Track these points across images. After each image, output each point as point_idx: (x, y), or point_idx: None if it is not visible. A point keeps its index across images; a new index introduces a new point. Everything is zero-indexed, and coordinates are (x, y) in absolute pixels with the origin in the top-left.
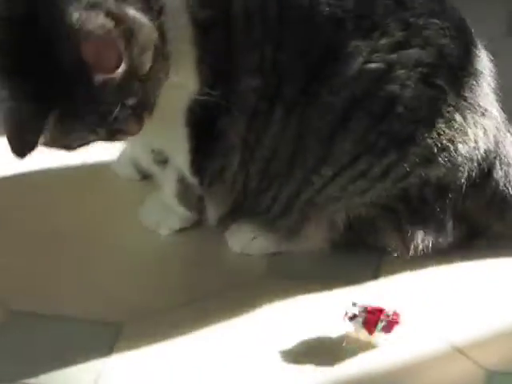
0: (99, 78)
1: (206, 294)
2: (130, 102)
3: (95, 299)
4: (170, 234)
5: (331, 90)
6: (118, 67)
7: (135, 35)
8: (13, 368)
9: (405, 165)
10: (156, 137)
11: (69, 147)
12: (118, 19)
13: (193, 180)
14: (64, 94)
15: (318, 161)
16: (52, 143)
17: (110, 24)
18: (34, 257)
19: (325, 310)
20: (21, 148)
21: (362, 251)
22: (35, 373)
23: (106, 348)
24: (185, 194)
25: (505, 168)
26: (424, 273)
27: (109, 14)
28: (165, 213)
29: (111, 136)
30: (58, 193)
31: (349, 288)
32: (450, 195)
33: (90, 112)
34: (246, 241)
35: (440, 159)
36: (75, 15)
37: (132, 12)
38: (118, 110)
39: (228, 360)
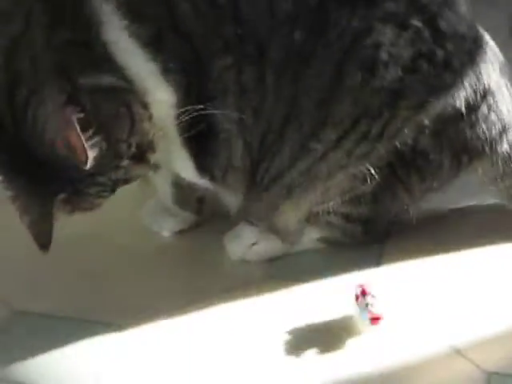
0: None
1: (207, 294)
2: (125, 161)
3: (96, 300)
4: (171, 235)
5: (324, 43)
6: (86, 157)
7: (100, 110)
8: (15, 368)
9: (398, 121)
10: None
11: (85, 210)
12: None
13: (202, 181)
14: (60, 179)
15: (317, 125)
16: (68, 215)
17: (72, 114)
18: (36, 257)
19: (328, 297)
20: (43, 241)
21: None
22: (36, 372)
23: (106, 348)
24: (181, 196)
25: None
26: (422, 274)
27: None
28: (165, 214)
29: (124, 185)
30: None
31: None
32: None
33: (92, 185)
34: (245, 247)
35: (431, 99)
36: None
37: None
38: (116, 172)
39: (229, 353)
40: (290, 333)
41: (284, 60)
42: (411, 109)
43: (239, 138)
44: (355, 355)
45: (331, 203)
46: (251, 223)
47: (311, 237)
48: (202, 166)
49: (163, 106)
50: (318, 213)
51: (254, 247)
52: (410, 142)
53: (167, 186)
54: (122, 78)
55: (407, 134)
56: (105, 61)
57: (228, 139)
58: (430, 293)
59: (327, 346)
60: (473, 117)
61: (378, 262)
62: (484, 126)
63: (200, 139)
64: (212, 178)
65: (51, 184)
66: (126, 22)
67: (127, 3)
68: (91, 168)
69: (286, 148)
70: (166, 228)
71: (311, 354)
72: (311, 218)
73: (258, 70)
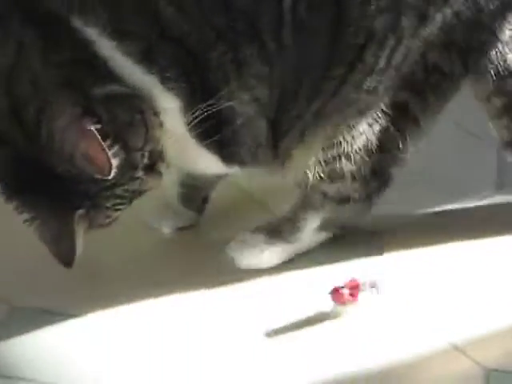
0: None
1: (206, 290)
2: (140, 171)
3: (96, 296)
4: (171, 232)
5: None
6: (110, 166)
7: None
8: (15, 363)
9: (404, 43)
10: (186, 164)
11: (101, 227)
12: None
13: (231, 170)
14: (78, 195)
15: (326, 66)
16: (85, 232)
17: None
18: (35, 253)
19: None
20: (67, 258)
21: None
22: (36, 369)
23: (106, 345)
24: (188, 196)
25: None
26: (421, 271)
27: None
28: (166, 211)
29: (139, 197)
30: None
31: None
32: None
33: (109, 198)
34: (254, 256)
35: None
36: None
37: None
38: (132, 183)
39: (223, 346)
40: (288, 327)
41: (279, 23)
42: (413, 28)
43: (259, 116)
44: (354, 352)
45: (340, 148)
46: (254, 231)
47: (311, 227)
48: (228, 157)
49: (172, 113)
50: (319, 180)
51: (265, 254)
52: (419, 60)
53: (175, 186)
54: (132, 87)
55: (414, 56)
56: (111, 72)
57: (248, 122)
58: (428, 289)
59: (323, 341)
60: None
61: (378, 254)
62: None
63: (218, 133)
64: (242, 164)
65: (69, 200)
66: (114, 43)
67: (111, 25)
68: (109, 180)
69: (302, 99)
70: (167, 225)
71: (308, 348)
72: (309, 197)
73: (255, 42)
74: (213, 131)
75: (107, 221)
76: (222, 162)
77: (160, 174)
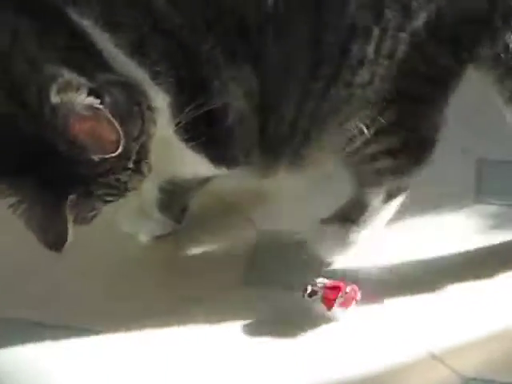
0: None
1: (185, 299)
2: (131, 164)
3: (74, 306)
4: (148, 240)
5: None
6: (117, 145)
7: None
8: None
9: (389, 34)
10: (169, 167)
11: (84, 220)
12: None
13: (220, 172)
14: (71, 179)
15: (312, 64)
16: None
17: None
18: (9, 263)
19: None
20: (57, 244)
21: None
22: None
23: (86, 355)
24: (167, 203)
25: None
26: (399, 279)
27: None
28: (144, 219)
29: (122, 196)
30: None
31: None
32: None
33: (101, 186)
34: (339, 245)
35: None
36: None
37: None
38: (124, 174)
39: (206, 353)
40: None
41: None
42: (397, 16)
43: (250, 114)
44: (332, 361)
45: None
46: (327, 223)
47: (378, 201)
48: (218, 157)
49: (161, 112)
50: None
51: (345, 242)
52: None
53: (155, 192)
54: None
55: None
56: (107, 63)
57: (240, 119)
58: (406, 298)
59: (301, 350)
60: None
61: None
62: None
63: (208, 132)
64: (232, 164)
65: (62, 185)
66: (107, 35)
67: (103, 17)
68: (104, 166)
69: (291, 100)
70: (145, 232)
71: (288, 355)
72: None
73: (242, 37)
74: (203, 131)
75: (92, 214)
76: (211, 162)
77: (143, 174)
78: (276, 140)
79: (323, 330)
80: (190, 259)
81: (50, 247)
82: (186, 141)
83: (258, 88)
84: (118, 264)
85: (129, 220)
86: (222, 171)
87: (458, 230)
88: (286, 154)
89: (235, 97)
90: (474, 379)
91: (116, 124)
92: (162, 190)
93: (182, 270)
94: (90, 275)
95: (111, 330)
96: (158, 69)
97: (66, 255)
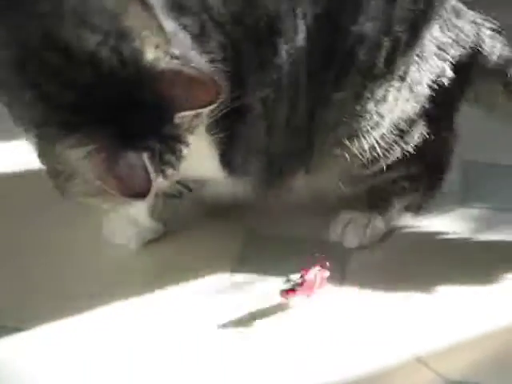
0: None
1: (172, 303)
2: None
3: (63, 315)
4: (138, 246)
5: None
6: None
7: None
8: None
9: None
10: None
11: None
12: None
13: (221, 176)
14: (147, 135)
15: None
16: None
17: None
18: None
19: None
20: (141, 189)
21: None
22: None
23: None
24: (158, 207)
25: None
26: (384, 282)
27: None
28: (133, 227)
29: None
30: (22, 204)
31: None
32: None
33: (169, 150)
34: (361, 233)
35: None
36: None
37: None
38: (185, 147)
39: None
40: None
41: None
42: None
43: (261, 119)
44: (316, 364)
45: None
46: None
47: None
48: (226, 159)
49: None
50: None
51: (368, 231)
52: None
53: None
54: None
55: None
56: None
57: (253, 121)
58: (391, 301)
59: (285, 353)
60: None
61: (341, 275)
62: None
63: (228, 130)
64: (228, 168)
65: (139, 139)
66: (174, 14)
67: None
68: (182, 126)
69: (301, 109)
70: (136, 240)
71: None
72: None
73: (270, 45)
74: (228, 125)
75: (162, 176)
76: (220, 169)
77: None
78: (282, 152)
79: (307, 332)
80: (178, 259)
81: (134, 196)
82: (214, 134)
83: (273, 96)
84: (107, 271)
85: (118, 231)
86: (223, 174)
87: (444, 233)
88: (291, 169)
89: (256, 98)
90: (459, 382)
91: (216, 81)
92: (156, 194)
93: (172, 268)
94: (77, 283)
95: (98, 336)
96: (214, 56)
97: (53, 262)
